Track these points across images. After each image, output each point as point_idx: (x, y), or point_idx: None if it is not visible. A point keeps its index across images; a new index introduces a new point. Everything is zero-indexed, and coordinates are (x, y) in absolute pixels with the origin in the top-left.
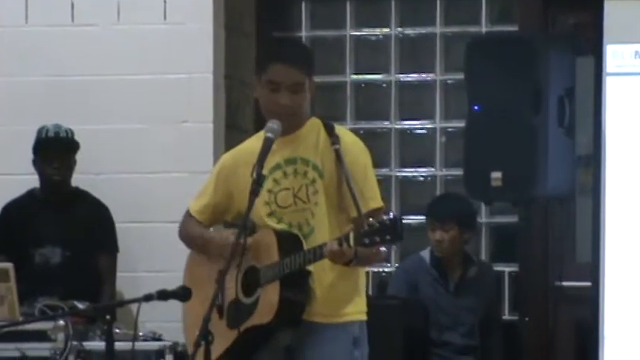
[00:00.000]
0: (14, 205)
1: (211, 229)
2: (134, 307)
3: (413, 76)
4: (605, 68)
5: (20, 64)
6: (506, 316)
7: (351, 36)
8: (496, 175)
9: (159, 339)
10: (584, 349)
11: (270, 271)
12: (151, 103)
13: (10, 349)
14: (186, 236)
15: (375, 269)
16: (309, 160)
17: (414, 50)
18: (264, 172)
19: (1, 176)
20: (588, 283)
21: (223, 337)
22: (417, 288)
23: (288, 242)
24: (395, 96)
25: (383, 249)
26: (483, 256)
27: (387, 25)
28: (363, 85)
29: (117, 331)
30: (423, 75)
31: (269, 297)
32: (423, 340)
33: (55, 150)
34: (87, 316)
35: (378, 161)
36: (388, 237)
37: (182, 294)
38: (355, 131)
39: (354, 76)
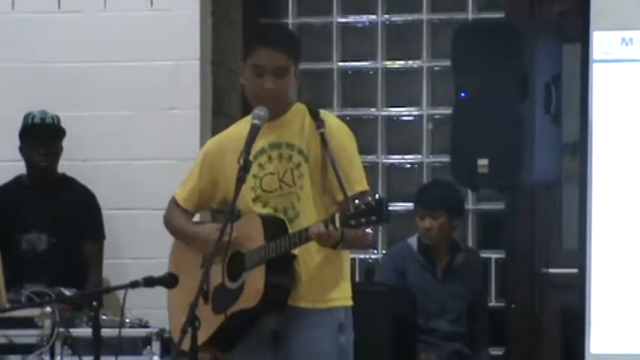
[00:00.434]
0: (0, 192)
1: (197, 216)
2: (121, 293)
3: (400, 63)
4: (592, 55)
5: (6, 51)
6: (492, 303)
7: (337, 23)
8: (483, 161)
9: (145, 325)
10: (571, 336)
11: (255, 255)
12: (137, 89)
13: None
14: (171, 227)
15: (362, 256)
16: (294, 145)
17: (401, 37)
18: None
19: None
20: (575, 270)
21: (209, 322)
22: (404, 275)
23: (274, 227)
24: (382, 83)
25: (369, 231)
26: (470, 243)
27: (374, 12)
28: (349, 72)
29: (104, 317)
30: (410, 62)
31: (254, 281)
32: (411, 326)
33: (41, 136)
34: (74, 302)
35: (365, 148)
36: (374, 218)
37: (168, 280)
38: (342, 118)
39: (341, 63)
